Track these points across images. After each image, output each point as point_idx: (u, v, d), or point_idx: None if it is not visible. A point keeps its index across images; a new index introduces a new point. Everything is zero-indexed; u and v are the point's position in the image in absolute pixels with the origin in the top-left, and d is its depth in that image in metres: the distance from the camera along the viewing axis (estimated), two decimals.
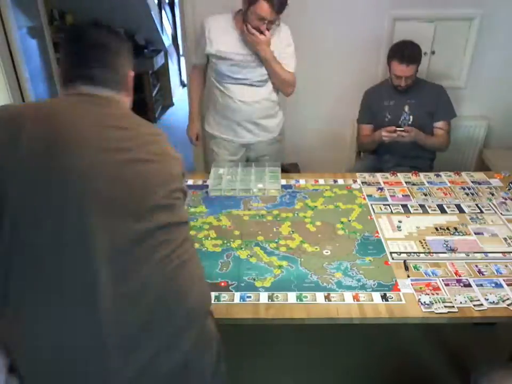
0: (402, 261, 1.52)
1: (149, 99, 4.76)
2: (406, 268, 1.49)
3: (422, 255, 1.55)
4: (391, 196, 1.93)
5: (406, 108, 2.35)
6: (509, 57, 2.76)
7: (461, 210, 1.81)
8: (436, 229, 1.69)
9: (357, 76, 2.84)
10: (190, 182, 2.07)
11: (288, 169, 2.52)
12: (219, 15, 2.10)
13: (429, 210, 1.82)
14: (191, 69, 2.32)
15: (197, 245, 1.62)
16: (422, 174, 2.10)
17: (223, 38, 2.04)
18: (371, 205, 1.86)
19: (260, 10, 1.87)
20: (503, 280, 1.42)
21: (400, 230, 1.69)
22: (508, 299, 1.34)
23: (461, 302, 1.34)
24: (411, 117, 2.35)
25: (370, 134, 2.44)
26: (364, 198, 1.91)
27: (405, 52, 2.20)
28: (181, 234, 1.03)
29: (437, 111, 2.36)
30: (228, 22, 2.06)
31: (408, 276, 1.45)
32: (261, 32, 1.95)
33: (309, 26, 2.72)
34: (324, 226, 1.72)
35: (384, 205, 1.86)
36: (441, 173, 2.11)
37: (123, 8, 4.25)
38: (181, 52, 5.77)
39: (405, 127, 2.25)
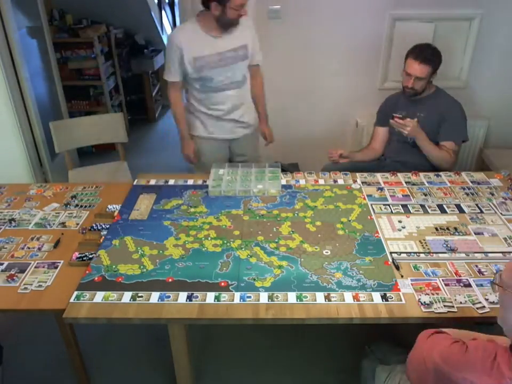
0: (394, 261, 1.52)
1: (149, 99, 4.76)
2: (397, 268, 1.49)
3: (422, 255, 1.55)
4: (391, 196, 1.93)
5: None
6: (509, 57, 2.76)
7: (461, 210, 1.81)
8: (436, 229, 1.69)
9: (357, 76, 2.85)
10: (190, 182, 2.07)
11: (288, 169, 2.52)
12: (183, 25, 2.12)
13: (429, 210, 1.82)
14: (170, 87, 2.22)
15: (197, 245, 1.62)
16: (422, 174, 2.10)
17: (196, 44, 2.04)
18: (371, 205, 1.86)
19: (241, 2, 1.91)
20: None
21: (403, 229, 1.68)
22: None
23: (461, 302, 1.34)
24: None
25: (383, 136, 2.44)
26: (364, 198, 1.91)
27: (423, 50, 2.16)
28: None
29: (444, 129, 2.23)
30: (195, 27, 2.04)
31: (402, 276, 1.45)
32: (238, 18, 1.98)
33: (309, 26, 2.72)
34: (324, 226, 1.72)
35: (384, 205, 1.86)
36: (441, 173, 2.11)
37: (123, 8, 4.24)
38: None
39: (405, 118, 2.17)
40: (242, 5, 1.93)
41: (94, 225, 1.74)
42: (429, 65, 2.15)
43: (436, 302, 1.33)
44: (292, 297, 1.37)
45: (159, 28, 4.81)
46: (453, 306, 1.32)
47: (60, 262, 1.55)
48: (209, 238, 1.66)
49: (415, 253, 1.56)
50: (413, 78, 2.17)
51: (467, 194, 1.93)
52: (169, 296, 1.38)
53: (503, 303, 1.00)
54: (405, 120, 2.16)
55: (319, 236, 1.67)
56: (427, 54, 2.15)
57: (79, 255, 1.57)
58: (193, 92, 2.21)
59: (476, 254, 1.55)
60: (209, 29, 2.03)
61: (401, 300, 1.35)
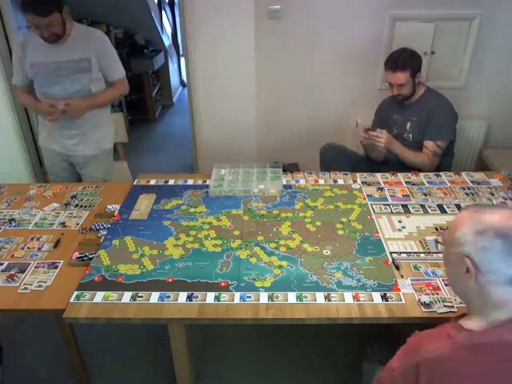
0: (394, 261, 1.52)
1: (149, 99, 4.76)
2: (397, 267, 1.49)
3: (422, 255, 1.55)
4: (391, 196, 1.93)
5: (408, 125, 2.30)
6: (509, 57, 2.76)
7: None
8: (436, 229, 1.69)
9: (357, 76, 2.85)
10: (190, 182, 2.07)
11: (288, 169, 2.52)
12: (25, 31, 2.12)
13: (429, 210, 1.82)
14: (17, 91, 2.20)
15: (197, 245, 1.62)
16: (422, 174, 2.10)
17: (35, 51, 2.02)
18: (371, 205, 1.86)
19: (31, 19, 1.86)
20: None
21: (403, 229, 1.68)
22: None
23: (461, 302, 1.33)
24: (410, 135, 2.30)
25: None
26: (364, 198, 1.91)
27: (394, 57, 2.16)
28: None
29: (427, 129, 2.23)
30: (33, 35, 1.98)
31: (402, 276, 1.45)
32: (44, 39, 1.93)
33: (309, 27, 2.72)
34: (324, 226, 1.72)
35: (384, 205, 1.86)
36: (441, 173, 2.11)
37: (123, 8, 4.25)
38: (181, 52, 5.78)
39: (378, 129, 2.16)
40: (37, 25, 1.87)
41: (94, 225, 1.74)
42: (406, 71, 2.14)
43: (436, 302, 1.33)
44: (291, 297, 1.37)
45: (159, 28, 4.81)
46: (453, 306, 1.32)
47: (59, 262, 1.55)
48: (209, 238, 1.66)
49: (415, 253, 1.56)
50: (395, 86, 2.20)
51: (467, 194, 1.93)
52: (169, 296, 1.38)
53: (444, 259, 1.07)
54: (377, 132, 2.15)
55: (319, 236, 1.67)
56: (401, 61, 2.14)
57: (79, 255, 1.57)
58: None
59: None
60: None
61: (401, 300, 1.35)
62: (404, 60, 2.15)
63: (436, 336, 0.98)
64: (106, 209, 1.85)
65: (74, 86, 2.07)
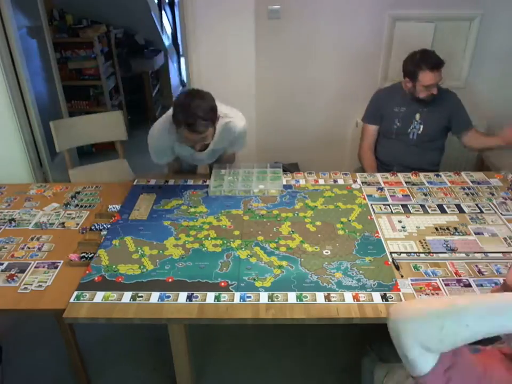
0: (395, 261, 1.52)
1: (149, 99, 4.75)
2: (397, 267, 1.49)
3: (422, 255, 1.55)
4: (391, 196, 1.93)
5: (417, 117, 2.25)
6: (509, 57, 2.76)
7: (461, 210, 1.81)
8: (436, 229, 1.69)
9: (357, 76, 2.85)
10: (190, 182, 2.07)
11: (288, 169, 2.52)
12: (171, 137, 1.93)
13: (429, 210, 1.82)
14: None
15: (197, 245, 1.62)
16: (422, 174, 2.10)
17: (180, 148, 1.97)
18: (371, 205, 1.86)
19: (187, 135, 1.78)
20: (503, 280, 1.42)
21: (403, 229, 1.69)
22: None
23: None
24: (421, 126, 2.26)
25: (374, 136, 2.38)
26: (364, 198, 1.91)
27: (432, 58, 2.11)
28: None
29: (460, 119, 2.25)
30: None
31: (402, 276, 1.45)
32: (193, 148, 1.89)
33: (309, 26, 2.72)
34: (324, 226, 1.72)
35: (384, 205, 1.86)
36: (441, 173, 2.11)
37: (123, 8, 4.24)
38: (181, 52, 5.78)
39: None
40: (191, 140, 1.79)
41: (95, 225, 1.74)
42: (441, 68, 2.11)
43: None
44: (292, 297, 1.37)
45: (159, 28, 4.81)
46: None
47: (59, 262, 1.55)
48: (209, 238, 1.66)
49: (415, 253, 1.56)
50: (435, 85, 2.14)
51: (467, 194, 1.93)
52: (169, 296, 1.38)
53: None
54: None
55: (319, 236, 1.67)
56: (435, 59, 2.11)
57: (81, 255, 1.57)
58: None
59: (476, 254, 1.55)
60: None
61: (401, 300, 1.35)
62: (439, 59, 2.12)
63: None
64: (107, 209, 1.85)
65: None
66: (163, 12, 5.25)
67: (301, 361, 1.99)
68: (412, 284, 1.41)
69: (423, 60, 2.11)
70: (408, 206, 1.85)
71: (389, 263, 1.51)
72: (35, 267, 1.53)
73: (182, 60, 5.43)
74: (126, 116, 4.50)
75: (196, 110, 1.68)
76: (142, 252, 1.59)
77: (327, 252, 1.58)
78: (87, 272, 1.49)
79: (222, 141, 1.97)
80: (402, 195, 1.93)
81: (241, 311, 1.33)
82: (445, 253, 1.56)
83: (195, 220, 1.77)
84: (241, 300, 1.37)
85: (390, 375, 1.35)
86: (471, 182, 2.03)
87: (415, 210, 1.81)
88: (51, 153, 2.90)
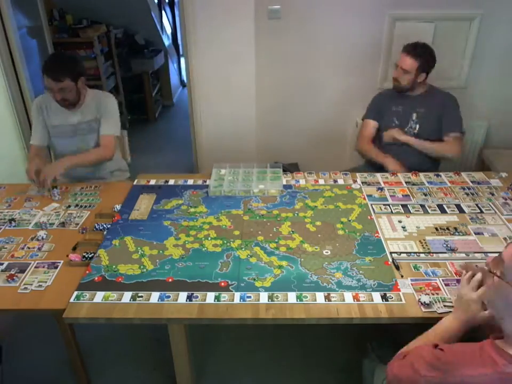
0: (395, 261, 1.52)
1: (149, 99, 4.76)
2: (397, 267, 1.49)
3: (422, 255, 1.55)
4: (391, 196, 1.93)
5: (414, 116, 2.32)
6: (509, 57, 2.76)
7: (461, 210, 1.81)
8: (436, 229, 1.69)
9: (357, 76, 2.85)
10: (190, 182, 2.07)
11: (288, 169, 2.52)
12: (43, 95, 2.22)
13: (429, 210, 1.82)
14: (30, 149, 2.26)
15: (197, 245, 1.62)
16: (422, 174, 2.10)
17: (54, 114, 2.17)
18: (371, 205, 1.86)
19: (46, 82, 2.01)
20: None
21: (403, 229, 1.69)
22: None
23: None
24: (417, 125, 2.32)
25: (374, 131, 2.43)
26: (364, 198, 1.91)
27: (416, 46, 2.19)
28: None
29: (446, 120, 2.28)
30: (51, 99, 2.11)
31: (402, 276, 1.45)
32: (57, 101, 2.07)
33: (309, 27, 2.72)
34: (324, 226, 1.72)
35: (384, 205, 1.86)
36: (441, 173, 2.11)
37: (123, 8, 4.24)
38: (181, 52, 5.78)
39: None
40: (50, 89, 2.01)
41: (95, 225, 1.74)
42: (416, 60, 2.18)
43: (436, 302, 1.33)
44: (291, 297, 1.37)
45: (159, 28, 4.81)
46: (453, 306, 1.31)
47: (59, 262, 1.55)
48: (209, 238, 1.66)
49: (415, 253, 1.56)
50: (399, 69, 2.22)
51: (467, 194, 1.93)
52: (169, 296, 1.38)
53: (496, 291, 1.00)
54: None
55: (319, 236, 1.67)
56: (418, 50, 2.19)
57: (83, 254, 1.57)
58: None
59: (476, 254, 1.55)
60: None
61: (401, 300, 1.35)
62: (422, 51, 2.20)
63: (476, 357, 0.94)
64: (114, 209, 1.84)
65: (85, 145, 2.20)
66: (163, 11, 5.26)
67: (300, 361, 1.99)
68: (412, 284, 1.41)
69: (410, 44, 2.23)
70: (408, 206, 1.85)
71: (389, 263, 1.51)
72: (35, 267, 1.53)
73: (182, 59, 5.44)
74: (126, 116, 4.50)
75: (58, 57, 2.12)
76: (142, 252, 1.59)
77: (327, 252, 1.58)
78: (87, 272, 1.49)
79: (91, 110, 2.15)
80: (402, 195, 1.93)
81: (241, 311, 1.33)
82: (445, 253, 1.56)
83: (195, 220, 1.77)
84: (241, 300, 1.37)
85: None
86: (471, 182, 2.03)
87: (415, 210, 1.81)
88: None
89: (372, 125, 2.44)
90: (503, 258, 0.98)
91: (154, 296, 1.38)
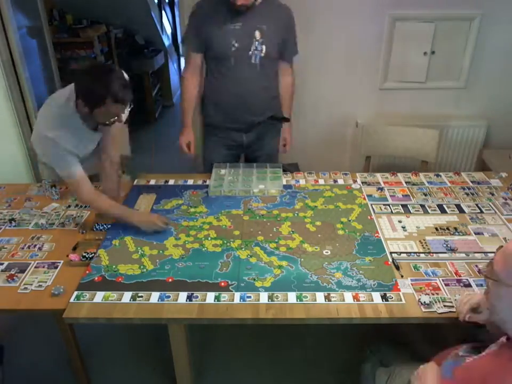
0: (395, 261, 1.52)
1: (149, 99, 4.76)
2: (397, 267, 1.49)
3: (422, 255, 1.55)
4: (391, 196, 1.93)
5: (257, 35, 1.83)
6: (509, 57, 2.76)
7: (461, 210, 1.81)
8: (436, 229, 1.69)
9: (357, 76, 2.84)
10: (190, 182, 2.07)
11: (288, 169, 2.52)
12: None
13: (429, 210, 1.82)
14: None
15: (197, 245, 1.62)
16: (422, 174, 2.10)
17: None
18: (371, 205, 1.86)
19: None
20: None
21: (403, 229, 1.69)
22: None
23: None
24: (264, 47, 1.85)
25: (200, 64, 1.97)
26: (364, 198, 1.91)
27: None
28: None
29: (289, 44, 1.95)
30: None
31: (402, 276, 1.45)
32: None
33: (309, 27, 2.72)
34: (324, 226, 1.72)
35: (384, 205, 1.86)
36: (441, 173, 2.11)
37: (123, 8, 4.24)
38: (181, 52, 5.77)
39: None
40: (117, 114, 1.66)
41: (95, 225, 1.74)
42: None
43: (435, 302, 1.33)
44: (292, 297, 1.37)
45: (159, 28, 4.81)
46: (453, 306, 1.32)
47: (59, 262, 1.55)
48: (209, 238, 1.66)
49: (415, 253, 1.56)
50: None
51: (467, 194, 1.93)
52: (169, 296, 1.38)
53: (495, 295, 1.00)
54: None
55: (319, 236, 1.67)
56: None
57: (83, 254, 1.57)
58: None
59: (476, 254, 1.55)
60: None
61: (401, 300, 1.35)
62: None
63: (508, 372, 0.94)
64: None
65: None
66: (163, 12, 5.25)
67: (300, 361, 1.99)
68: (412, 284, 1.41)
69: None
70: (408, 206, 1.85)
71: (389, 263, 1.51)
72: (35, 267, 1.53)
73: (182, 60, 5.43)
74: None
75: (121, 79, 1.60)
76: (142, 252, 1.59)
77: (327, 252, 1.58)
78: (87, 272, 1.49)
79: None
80: (402, 195, 1.93)
81: (241, 311, 1.33)
82: (445, 253, 1.56)
83: (195, 220, 1.77)
84: (241, 300, 1.37)
85: (392, 379, 1.35)
86: (471, 182, 2.03)
87: (415, 210, 1.81)
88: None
89: (198, 59, 1.95)
90: (494, 263, 0.99)
91: (154, 296, 1.38)
